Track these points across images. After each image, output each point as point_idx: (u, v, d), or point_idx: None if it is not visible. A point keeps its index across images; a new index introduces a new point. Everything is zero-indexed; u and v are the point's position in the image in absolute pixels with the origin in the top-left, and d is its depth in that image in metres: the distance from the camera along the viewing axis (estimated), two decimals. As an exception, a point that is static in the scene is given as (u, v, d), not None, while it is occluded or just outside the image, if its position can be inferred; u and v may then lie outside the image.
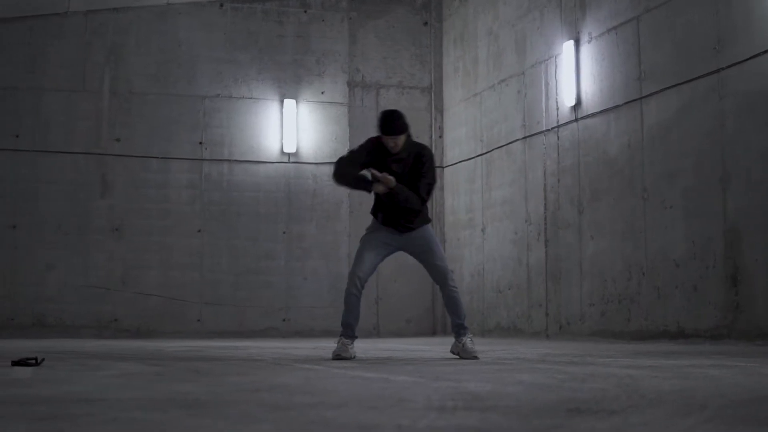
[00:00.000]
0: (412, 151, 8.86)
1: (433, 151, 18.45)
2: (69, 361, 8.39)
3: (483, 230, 16.83)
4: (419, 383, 5.46)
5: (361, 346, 11.08)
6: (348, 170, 8.97)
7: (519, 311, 15.53)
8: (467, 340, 8.78)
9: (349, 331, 8.90)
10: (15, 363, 7.30)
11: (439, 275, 9.00)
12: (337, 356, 8.67)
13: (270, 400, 4.39)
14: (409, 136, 8.86)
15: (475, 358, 8.59)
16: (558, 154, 14.62)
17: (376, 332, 17.73)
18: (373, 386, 5.24)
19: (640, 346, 11.13)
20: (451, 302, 8.97)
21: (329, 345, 10.04)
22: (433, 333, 18.03)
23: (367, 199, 17.91)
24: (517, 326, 15.59)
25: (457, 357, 8.76)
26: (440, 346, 11.38)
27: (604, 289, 13.41)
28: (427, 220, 9.04)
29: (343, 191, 17.77)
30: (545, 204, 14.88)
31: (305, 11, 18.29)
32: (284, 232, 17.76)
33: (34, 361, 7.33)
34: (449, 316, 9.08)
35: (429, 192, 8.90)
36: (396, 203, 8.78)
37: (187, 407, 4.11)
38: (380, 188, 8.78)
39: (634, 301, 12.78)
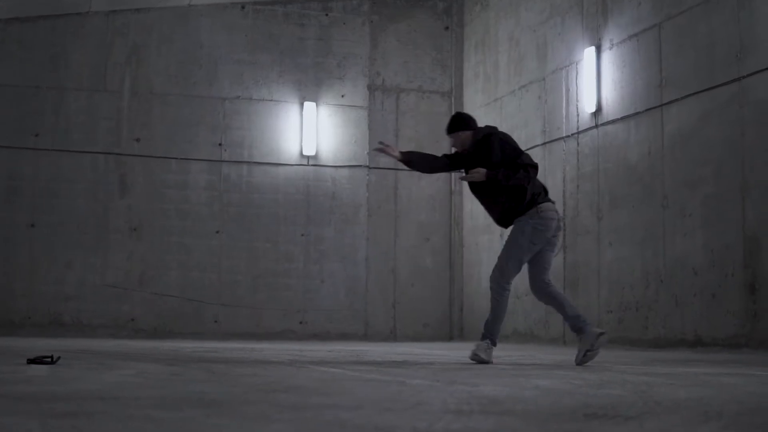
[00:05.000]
0: (478, 145, 8.65)
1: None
2: (85, 359, 8.41)
3: (501, 235, 16.78)
4: (435, 387, 5.45)
5: (378, 350, 11.06)
6: (426, 157, 8.93)
7: (536, 317, 15.49)
8: (483, 344, 8.73)
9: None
10: (31, 361, 7.31)
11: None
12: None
13: (286, 401, 4.39)
14: (476, 131, 8.69)
15: (479, 361, 8.53)
16: (578, 161, 14.60)
17: (393, 336, 17.69)
18: (389, 389, 5.23)
19: (658, 354, 11.10)
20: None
21: (346, 348, 10.03)
22: (450, 338, 18.00)
23: (385, 203, 17.99)
24: (534, 332, 15.56)
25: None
26: (457, 351, 11.36)
27: (622, 296, 13.37)
28: (517, 214, 8.60)
29: (362, 195, 17.78)
30: (564, 210, 14.83)
31: (326, 14, 18.29)
32: (303, 235, 17.75)
33: (50, 360, 7.34)
34: None
35: (512, 170, 8.41)
36: (498, 191, 8.55)
37: (203, 407, 4.11)
38: (473, 177, 8.54)
39: (651, 308, 12.75)
